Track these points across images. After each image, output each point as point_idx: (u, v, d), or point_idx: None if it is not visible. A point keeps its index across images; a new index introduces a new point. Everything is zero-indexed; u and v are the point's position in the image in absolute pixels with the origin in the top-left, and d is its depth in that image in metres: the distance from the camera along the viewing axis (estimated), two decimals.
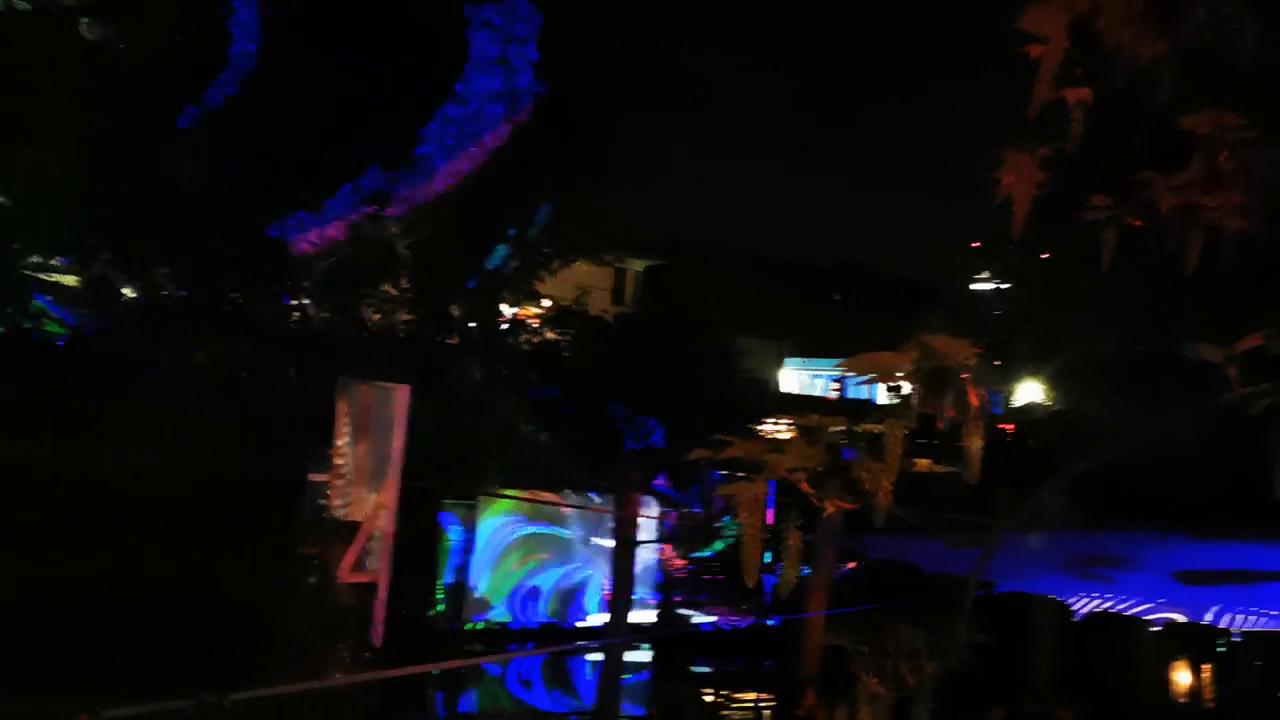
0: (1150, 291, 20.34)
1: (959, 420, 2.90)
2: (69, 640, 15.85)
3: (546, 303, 33.70)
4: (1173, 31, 3.33)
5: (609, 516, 22.54)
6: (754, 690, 21.01)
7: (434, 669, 12.23)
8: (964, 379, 2.66)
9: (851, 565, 20.75)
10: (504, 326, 31.40)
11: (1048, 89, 3.36)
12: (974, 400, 2.89)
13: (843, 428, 2.84)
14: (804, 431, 2.80)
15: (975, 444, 2.92)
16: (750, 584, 2.89)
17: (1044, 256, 28.43)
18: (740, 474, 2.80)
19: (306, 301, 27.54)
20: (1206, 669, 20.50)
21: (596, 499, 24.94)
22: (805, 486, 2.80)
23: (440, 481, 20.10)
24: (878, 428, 2.80)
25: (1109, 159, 5.01)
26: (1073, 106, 3.53)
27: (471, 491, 23.22)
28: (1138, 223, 3.62)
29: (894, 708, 2.82)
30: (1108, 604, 13.03)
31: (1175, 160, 3.53)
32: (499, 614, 24.43)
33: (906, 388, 3.03)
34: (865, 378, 2.96)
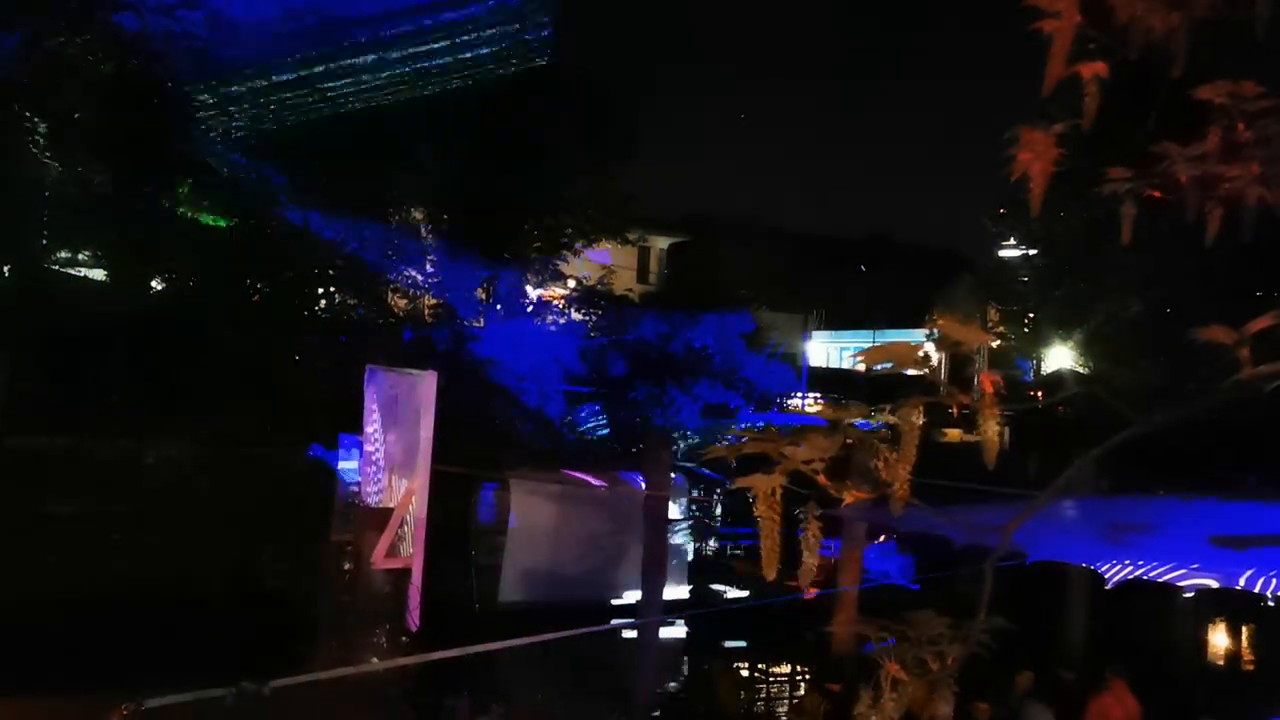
0: (1177, 254, 20.12)
1: (973, 408, 2.90)
2: (107, 629, 16.09)
3: (571, 283, 33.75)
4: (1186, 2, 3.31)
5: (640, 494, 22.57)
6: (789, 664, 21.07)
7: (469, 652, 12.32)
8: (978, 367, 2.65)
9: (883, 538, 20.73)
10: (530, 308, 31.50)
11: (1060, 65, 3.34)
12: (988, 386, 2.90)
13: (858, 419, 2.86)
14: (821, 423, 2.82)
15: (991, 430, 2.93)
16: (770, 577, 2.92)
17: (1067, 222, 28.14)
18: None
19: (334, 290, 27.73)
20: (1242, 634, 20.39)
21: (627, 477, 24.99)
22: (822, 479, 2.82)
23: (471, 465, 20.20)
24: (893, 418, 2.81)
25: (1125, 132, 4.97)
26: (1087, 81, 3.50)
27: (502, 474, 23.33)
28: (1157, 194, 3.59)
29: (918, 692, 2.84)
30: (1140, 570, 12.95)
31: (1193, 132, 3.50)
32: (533, 594, 24.54)
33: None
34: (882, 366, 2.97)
